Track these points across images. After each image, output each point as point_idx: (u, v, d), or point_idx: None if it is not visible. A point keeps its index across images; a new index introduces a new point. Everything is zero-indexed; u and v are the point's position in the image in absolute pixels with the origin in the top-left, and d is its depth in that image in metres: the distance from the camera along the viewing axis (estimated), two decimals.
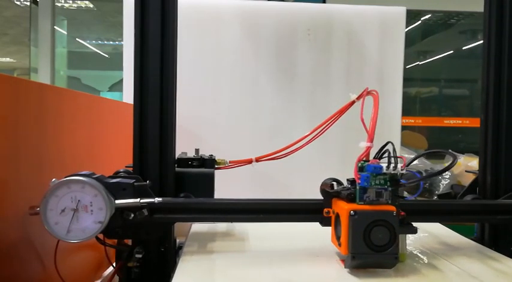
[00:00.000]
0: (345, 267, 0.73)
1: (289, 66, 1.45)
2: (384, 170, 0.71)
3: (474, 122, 4.14)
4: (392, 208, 0.71)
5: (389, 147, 0.72)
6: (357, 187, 0.72)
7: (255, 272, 0.73)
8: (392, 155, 0.71)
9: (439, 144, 4.26)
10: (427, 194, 1.99)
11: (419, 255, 0.83)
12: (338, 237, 0.74)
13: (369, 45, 1.47)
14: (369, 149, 0.73)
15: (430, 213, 0.86)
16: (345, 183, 0.78)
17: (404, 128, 1.71)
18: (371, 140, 0.73)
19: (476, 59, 4.32)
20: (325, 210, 0.78)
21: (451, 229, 1.02)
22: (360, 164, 0.73)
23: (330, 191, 0.78)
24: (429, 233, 0.98)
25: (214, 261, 0.78)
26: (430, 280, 0.71)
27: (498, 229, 0.91)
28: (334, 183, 0.80)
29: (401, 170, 0.71)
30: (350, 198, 0.72)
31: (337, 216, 0.75)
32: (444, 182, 2.00)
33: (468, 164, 2.01)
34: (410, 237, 0.94)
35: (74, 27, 5.14)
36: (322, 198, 0.80)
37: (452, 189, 1.87)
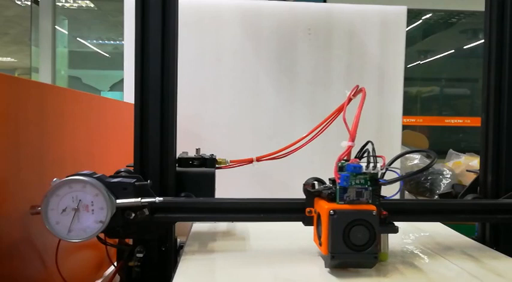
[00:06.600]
0: (325, 267, 0.72)
1: (290, 65, 1.45)
2: (364, 170, 0.70)
3: (475, 121, 4.14)
4: (372, 207, 0.70)
5: (369, 146, 0.72)
6: (337, 187, 0.71)
7: (256, 272, 0.73)
8: (371, 154, 0.71)
9: (440, 144, 4.26)
10: (428, 193, 1.99)
11: (420, 254, 0.83)
12: (319, 237, 0.74)
13: (369, 44, 1.47)
14: (350, 148, 0.73)
15: (431, 213, 0.86)
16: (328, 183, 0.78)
17: (405, 127, 1.71)
18: (352, 139, 0.72)
19: (477, 58, 4.32)
20: (307, 209, 0.78)
21: (452, 228, 1.02)
22: (340, 164, 0.73)
23: (312, 190, 0.78)
24: (430, 232, 0.98)
25: (215, 261, 0.78)
26: (430, 280, 0.71)
27: (499, 228, 0.91)
28: (316, 182, 0.80)
29: (381, 169, 0.71)
30: (330, 198, 0.72)
31: (319, 216, 0.74)
32: (445, 182, 2.00)
33: (469, 164, 2.01)
34: (411, 237, 0.94)
35: (74, 27, 5.14)
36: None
37: (453, 188, 1.87)
